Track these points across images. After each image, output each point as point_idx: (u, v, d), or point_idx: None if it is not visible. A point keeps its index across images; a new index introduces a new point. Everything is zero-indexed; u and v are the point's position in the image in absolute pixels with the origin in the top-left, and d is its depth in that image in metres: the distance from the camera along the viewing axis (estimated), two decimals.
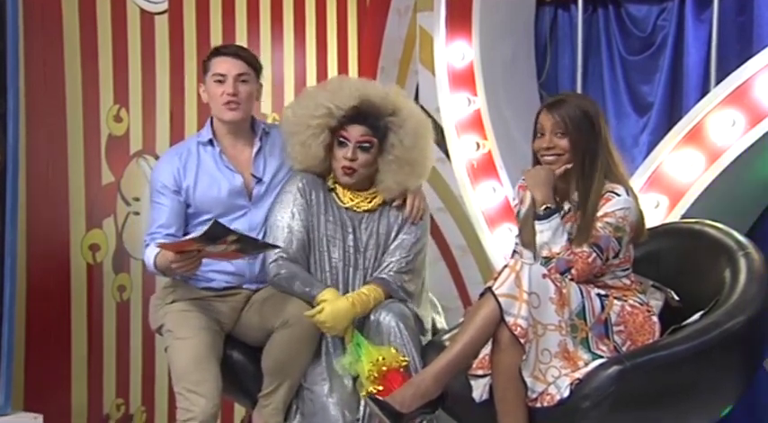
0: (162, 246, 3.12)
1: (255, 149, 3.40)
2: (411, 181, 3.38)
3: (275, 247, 3.23)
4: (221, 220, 3.30)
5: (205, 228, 2.99)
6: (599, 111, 3.16)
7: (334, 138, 3.32)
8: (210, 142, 3.38)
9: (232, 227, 3.15)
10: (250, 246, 3.14)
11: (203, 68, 3.39)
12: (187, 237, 3.15)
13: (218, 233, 2.99)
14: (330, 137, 3.32)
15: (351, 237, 3.35)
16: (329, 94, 3.35)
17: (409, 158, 3.34)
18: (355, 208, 3.38)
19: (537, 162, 3.17)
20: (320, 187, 3.37)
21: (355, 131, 3.30)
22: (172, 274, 3.25)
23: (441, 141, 4.40)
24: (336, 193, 3.38)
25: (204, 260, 3.29)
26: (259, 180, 3.39)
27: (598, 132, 3.10)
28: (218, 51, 3.38)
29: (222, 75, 3.31)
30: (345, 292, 3.27)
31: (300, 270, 3.28)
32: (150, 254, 3.25)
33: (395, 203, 3.38)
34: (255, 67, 3.38)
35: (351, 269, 3.34)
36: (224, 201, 3.34)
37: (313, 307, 3.18)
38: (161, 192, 3.33)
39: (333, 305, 3.15)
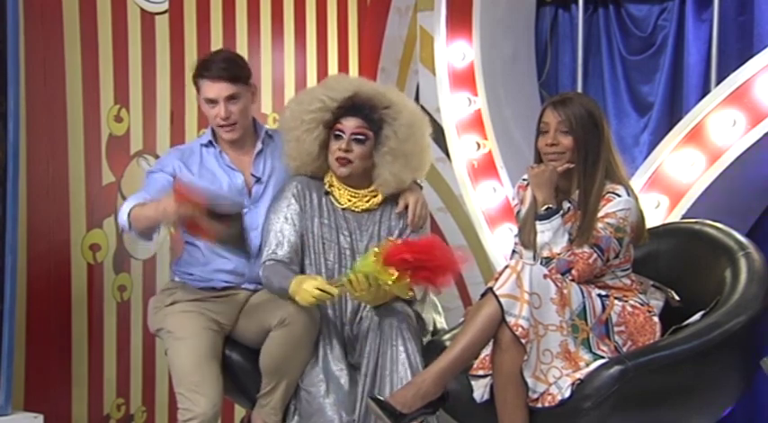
0: (178, 185, 3.00)
1: (257, 150, 3.41)
2: (406, 173, 3.36)
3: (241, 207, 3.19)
4: None
5: (232, 201, 3.02)
6: (602, 112, 3.17)
7: (330, 134, 3.32)
8: (211, 143, 3.39)
9: None
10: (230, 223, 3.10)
11: (196, 86, 3.34)
12: (208, 188, 3.08)
13: (229, 215, 3.01)
14: (325, 133, 3.32)
15: (347, 239, 3.35)
16: (324, 88, 3.38)
17: (403, 150, 3.33)
18: (353, 208, 3.37)
19: (539, 160, 3.17)
20: (315, 191, 3.36)
21: (350, 123, 3.30)
22: (144, 226, 3.13)
23: (439, 139, 4.41)
24: (333, 196, 3.37)
25: (203, 259, 3.33)
26: (258, 179, 3.40)
27: (601, 133, 3.10)
28: (201, 74, 3.29)
29: (212, 100, 3.29)
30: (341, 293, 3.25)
31: (282, 267, 3.24)
32: (124, 210, 3.16)
33: (396, 210, 3.37)
34: (243, 80, 3.32)
35: (347, 271, 3.33)
36: None
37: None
38: (154, 171, 3.34)
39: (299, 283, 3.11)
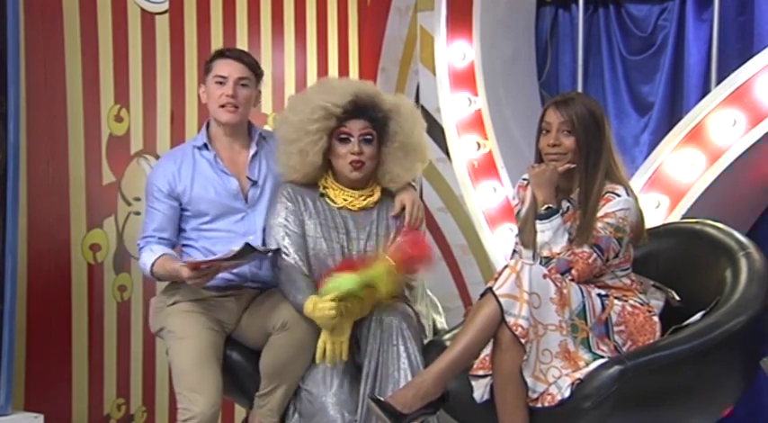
0: (188, 264, 3.14)
1: (252, 153, 3.41)
2: (418, 165, 3.39)
3: (272, 251, 3.24)
4: (219, 223, 3.33)
5: (236, 249, 3.07)
6: (603, 112, 3.16)
7: (332, 139, 3.30)
8: (206, 146, 3.39)
9: (232, 228, 3.17)
10: (254, 255, 3.19)
11: (205, 70, 3.40)
12: (215, 257, 3.18)
13: (245, 254, 3.07)
14: (327, 141, 3.31)
15: (346, 238, 3.34)
16: (323, 95, 3.32)
17: (412, 143, 3.35)
18: (349, 207, 3.36)
19: (539, 159, 3.17)
20: (307, 194, 3.35)
21: (356, 125, 3.29)
22: (168, 280, 3.29)
23: (439, 139, 4.41)
24: (328, 196, 3.36)
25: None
26: (254, 183, 3.40)
27: (603, 133, 3.10)
28: (221, 54, 3.40)
29: (223, 77, 3.33)
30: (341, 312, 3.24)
31: (296, 274, 3.25)
32: (147, 259, 3.28)
33: (393, 212, 3.37)
34: (256, 73, 3.40)
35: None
36: (220, 203, 3.35)
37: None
38: (156, 196, 3.34)
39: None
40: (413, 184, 3.48)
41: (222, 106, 3.33)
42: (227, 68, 3.33)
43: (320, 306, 3.08)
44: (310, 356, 3.22)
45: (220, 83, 3.33)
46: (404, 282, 3.26)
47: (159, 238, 3.32)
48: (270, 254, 3.24)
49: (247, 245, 3.07)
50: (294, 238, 3.29)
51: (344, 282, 3.08)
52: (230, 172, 3.38)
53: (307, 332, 3.19)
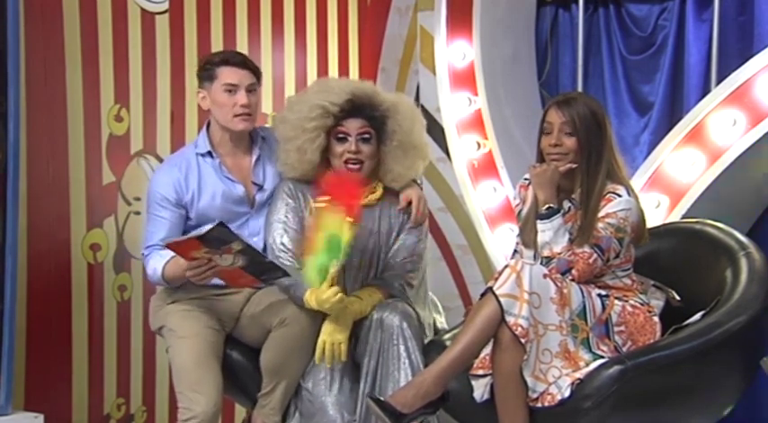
0: (168, 244, 3.10)
1: (255, 157, 3.41)
2: (419, 164, 3.39)
3: (281, 269, 3.16)
4: None
5: (209, 226, 2.99)
6: (605, 112, 3.17)
7: (330, 138, 3.31)
8: (209, 154, 3.38)
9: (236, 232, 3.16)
10: (256, 262, 3.10)
11: (207, 76, 3.34)
12: (191, 234, 3.14)
13: (222, 236, 2.99)
14: (325, 140, 3.31)
15: None
16: (320, 94, 3.33)
17: (412, 141, 3.35)
18: None
19: (541, 159, 3.17)
20: (308, 190, 3.35)
21: (353, 124, 3.29)
22: (180, 282, 3.25)
23: (439, 138, 4.41)
24: None
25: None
26: (260, 187, 3.39)
27: (604, 133, 3.10)
28: (225, 61, 3.34)
29: (234, 85, 3.29)
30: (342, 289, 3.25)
31: (296, 272, 3.25)
32: (157, 264, 3.24)
33: (399, 207, 3.37)
34: (259, 78, 3.39)
35: (344, 268, 3.32)
36: (226, 209, 3.34)
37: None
38: (161, 204, 3.31)
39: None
40: (417, 182, 3.48)
41: (237, 116, 3.31)
42: (236, 76, 3.30)
43: (324, 297, 3.08)
44: (310, 352, 3.23)
45: (230, 91, 3.30)
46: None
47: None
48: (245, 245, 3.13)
49: (221, 224, 2.99)
50: (293, 235, 3.30)
51: (322, 258, 3.07)
52: (235, 178, 3.37)
53: (306, 328, 3.19)
